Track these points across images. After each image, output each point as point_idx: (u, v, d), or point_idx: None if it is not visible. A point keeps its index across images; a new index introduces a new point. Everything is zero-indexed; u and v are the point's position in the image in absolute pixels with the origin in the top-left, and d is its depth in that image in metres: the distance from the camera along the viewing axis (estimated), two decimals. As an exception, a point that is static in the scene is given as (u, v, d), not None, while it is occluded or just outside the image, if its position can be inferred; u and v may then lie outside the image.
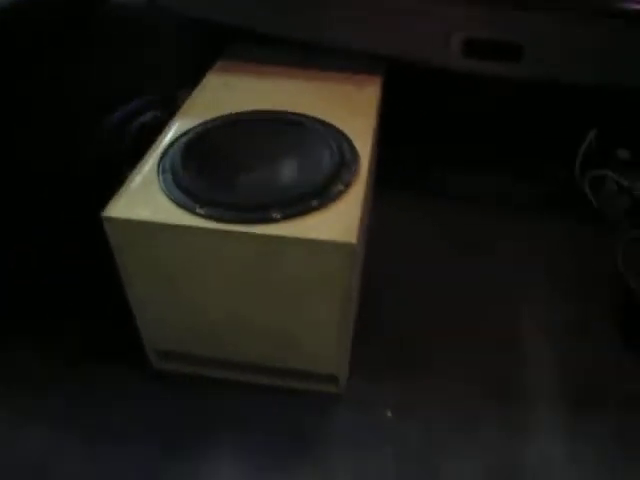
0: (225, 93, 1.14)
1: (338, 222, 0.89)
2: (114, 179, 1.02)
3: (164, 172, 0.96)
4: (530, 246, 1.28)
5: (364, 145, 1.02)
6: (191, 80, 1.16)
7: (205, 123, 1.05)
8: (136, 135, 1.19)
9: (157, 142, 1.03)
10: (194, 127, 1.04)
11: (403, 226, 1.36)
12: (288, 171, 0.99)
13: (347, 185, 0.94)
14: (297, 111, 1.07)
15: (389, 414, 1.01)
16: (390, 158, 1.38)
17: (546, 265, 1.24)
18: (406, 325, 1.15)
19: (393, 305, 1.18)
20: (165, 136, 1.04)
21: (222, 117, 1.05)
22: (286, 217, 0.89)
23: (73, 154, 1.21)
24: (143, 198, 0.92)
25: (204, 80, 1.18)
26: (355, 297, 1.05)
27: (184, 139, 1.01)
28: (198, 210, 0.89)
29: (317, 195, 0.92)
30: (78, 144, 1.20)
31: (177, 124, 1.06)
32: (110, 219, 0.90)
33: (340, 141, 1.01)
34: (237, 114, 1.06)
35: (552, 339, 1.11)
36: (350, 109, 1.10)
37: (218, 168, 0.98)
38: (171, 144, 1.01)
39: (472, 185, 1.43)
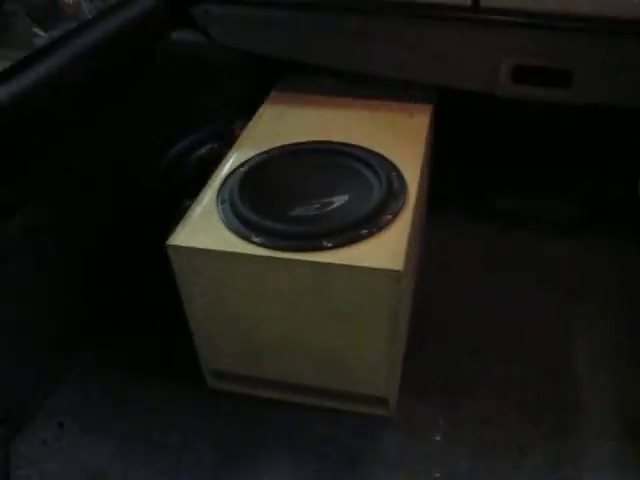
0: (279, 124, 1.28)
1: (386, 250, 1.01)
2: (175, 210, 1.18)
3: (223, 202, 1.10)
4: (584, 270, 1.34)
5: (413, 174, 1.14)
6: (246, 112, 1.30)
7: (260, 155, 1.18)
8: (195, 167, 1.33)
9: (215, 174, 1.17)
10: (250, 159, 1.18)
11: (456, 248, 1.45)
12: (339, 200, 1.11)
13: (395, 214, 1.07)
14: (348, 141, 1.20)
15: (438, 438, 1.09)
16: (442, 183, 1.48)
17: (600, 290, 1.30)
18: (456, 348, 1.23)
19: (444, 327, 1.27)
20: (223, 168, 1.18)
21: (276, 149, 1.19)
22: (337, 245, 1.02)
23: (137, 186, 1.35)
24: (203, 227, 1.07)
25: (259, 111, 1.33)
26: (404, 320, 1.16)
27: (241, 170, 1.16)
28: (254, 239, 1.03)
29: (366, 224, 1.04)
30: (141, 176, 1.34)
31: (234, 156, 1.20)
32: (174, 247, 1.05)
33: (389, 170, 1.13)
34: (290, 145, 1.20)
35: (605, 367, 1.16)
36: (400, 138, 1.21)
37: (272, 198, 1.11)
38: (229, 175, 1.16)
39: (523, 208, 1.49)
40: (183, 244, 1.05)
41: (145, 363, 1.24)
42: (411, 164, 1.15)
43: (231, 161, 1.20)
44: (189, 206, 1.11)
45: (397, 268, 0.98)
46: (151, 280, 1.26)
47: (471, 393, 1.16)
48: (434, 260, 1.38)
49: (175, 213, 1.13)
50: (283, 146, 1.20)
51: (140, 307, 1.31)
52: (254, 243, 1.03)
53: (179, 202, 1.20)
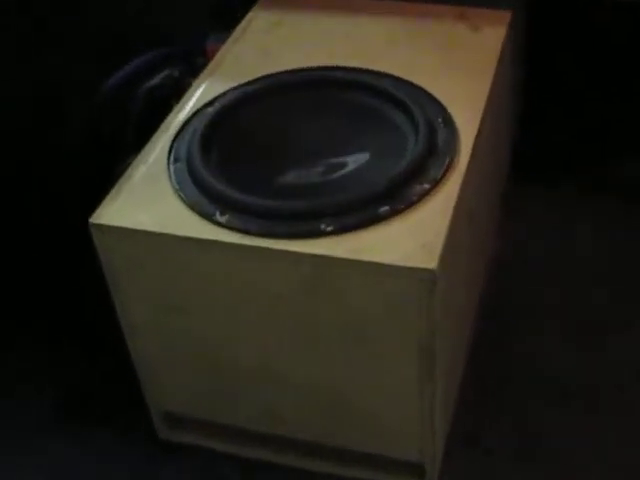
0: (271, 40, 1.26)
1: (415, 238, 0.99)
2: (110, 169, 1.19)
3: (176, 161, 1.10)
4: None
5: (470, 121, 1.11)
6: (226, 22, 1.31)
7: (239, 88, 1.17)
8: (142, 105, 1.34)
9: (170, 117, 1.16)
10: (222, 95, 1.17)
11: (548, 236, 1.45)
12: (353, 161, 1.10)
13: (434, 183, 1.04)
14: (371, 67, 1.17)
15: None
16: (529, 141, 1.49)
17: None
18: (541, 393, 1.23)
19: (524, 354, 1.27)
20: (182, 107, 1.17)
21: (263, 79, 1.17)
22: (341, 230, 1.00)
23: (55, 131, 1.36)
24: (146, 199, 1.06)
25: (244, 22, 1.31)
26: (452, 349, 1.14)
27: (208, 112, 1.14)
28: (219, 217, 1.02)
29: (387, 198, 1.02)
30: (62, 116, 1.36)
31: (201, 89, 1.19)
32: (100, 227, 1.04)
33: (433, 114, 1.11)
34: (285, 74, 1.18)
35: None
36: (454, 64, 1.18)
37: (253, 156, 1.09)
38: (189, 119, 1.15)
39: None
40: (112, 223, 1.04)
41: (64, 406, 1.27)
42: (469, 105, 1.14)
43: (195, 97, 1.19)
44: (128, 165, 1.13)
45: (430, 266, 0.96)
46: (77, 273, 1.29)
47: (550, 465, 1.16)
48: (517, 253, 1.40)
49: (111, 175, 1.14)
50: (275, 75, 1.19)
51: (58, 315, 1.34)
52: (219, 224, 1.03)
53: (118, 159, 1.21)
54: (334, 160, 1.10)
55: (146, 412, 1.21)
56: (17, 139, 1.33)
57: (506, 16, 1.28)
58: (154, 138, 1.15)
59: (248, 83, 1.19)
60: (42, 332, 1.34)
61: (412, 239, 0.99)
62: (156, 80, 1.37)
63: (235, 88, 1.19)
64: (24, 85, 1.31)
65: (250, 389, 1.14)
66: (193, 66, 1.31)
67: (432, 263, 0.97)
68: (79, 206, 1.09)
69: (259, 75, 1.20)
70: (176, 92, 1.22)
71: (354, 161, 1.10)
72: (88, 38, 1.37)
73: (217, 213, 1.03)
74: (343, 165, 1.10)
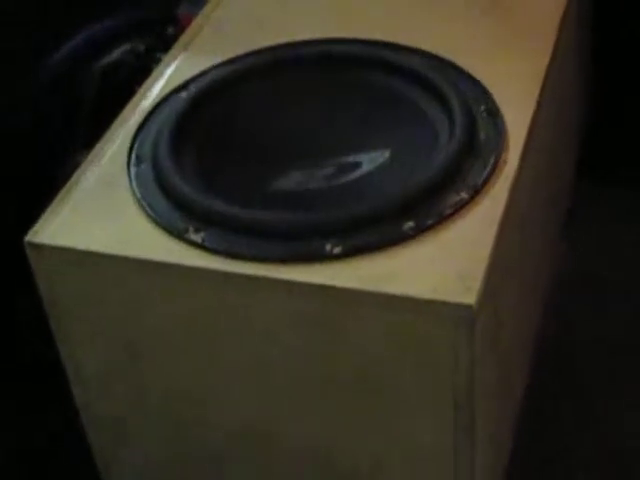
0: (264, 4, 1.27)
1: (449, 263, 0.98)
2: (54, 170, 1.18)
3: (139, 162, 1.09)
4: None
5: (522, 111, 1.11)
6: None
7: (220, 68, 1.17)
8: (96, 89, 1.34)
9: (130, 104, 1.16)
10: (199, 76, 1.17)
11: (624, 258, 1.47)
12: (370, 161, 1.09)
13: (474, 191, 1.04)
14: (395, 40, 1.17)
15: None
16: (606, 134, 1.49)
17: None
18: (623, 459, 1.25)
19: (594, 415, 1.29)
20: (146, 93, 1.17)
21: (253, 54, 1.17)
22: (352, 252, 0.99)
23: None
24: (98, 211, 1.06)
25: None
26: (495, 403, 1.12)
27: (179, 100, 1.14)
28: (193, 235, 1.02)
29: (413, 211, 1.01)
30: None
31: (171, 68, 1.19)
32: (39, 248, 1.04)
33: (473, 101, 1.11)
34: (282, 48, 1.18)
35: None
36: (502, 37, 1.18)
37: (238, 157, 1.09)
38: (156, 109, 1.14)
39: None
40: (54, 242, 1.04)
41: None
42: (520, 89, 1.14)
43: (164, 78, 1.19)
44: (78, 165, 1.12)
45: (467, 301, 0.95)
46: (10, 306, 1.30)
47: None
48: (590, 273, 1.42)
49: (54, 180, 1.15)
50: (268, 49, 1.20)
51: None
52: (193, 244, 1.02)
53: (63, 159, 1.21)
54: (344, 160, 1.11)
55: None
56: None
57: None
58: (110, 132, 1.15)
59: (234, 60, 1.19)
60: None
61: (444, 265, 0.98)
62: (114, 56, 1.37)
63: (217, 66, 1.19)
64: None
65: (232, 463, 1.14)
66: (162, 37, 1.31)
67: (470, 297, 0.95)
68: (12, 220, 1.10)
69: (248, 50, 1.20)
70: (140, 72, 1.22)
71: (370, 161, 1.10)
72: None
73: (191, 229, 1.03)
74: (356, 166, 1.10)
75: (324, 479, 1.12)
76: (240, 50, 1.20)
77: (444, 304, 0.95)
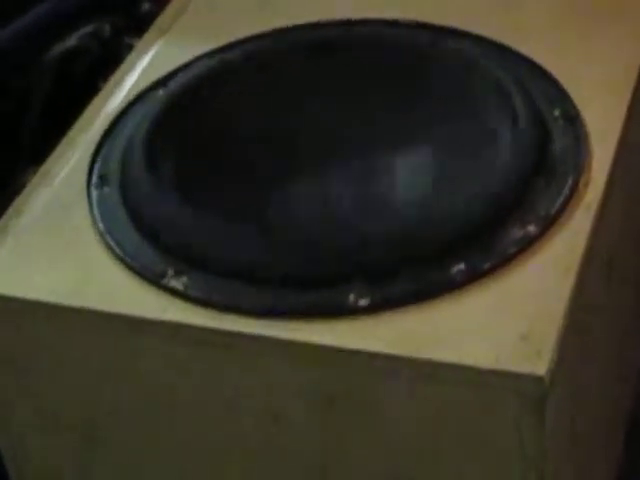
0: None
1: (511, 321, 0.97)
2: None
3: (102, 183, 1.10)
4: None
5: (608, 117, 1.11)
6: None
7: (210, 58, 1.19)
8: (49, 84, 1.35)
9: (93, 105, 1.17)
10: (182, 68, 1.18)
11: None
12: (397, 180, 1.11)
13: (546, 224, 1.04)
14: (443, 23, 1.19)
15: None
16: None
17: None
18: None
19: None
20: (113, 91, 1.18)
21: (253, 42, 1.19)
22: (383, 305, 1.00)
23: None
24: (49, 247, 1.06)
25: None
26: None
27: (156, 100, 1.15)
28: (173, 281, 1.03)
29: (464, 249, 1.02)
30: None
31: (144, 59, 1.21)
32: None
33: (546, 105, 1.12)
34: (289, 33, 1.20)
35: None
36: (584, 17, 1.20)
37: (231, 173, 1.10)
38: (126, 111, 1.16)
39: None
40: None
41: None
42: (608, 90, 1.14)
43: (137, 72, 1.21)
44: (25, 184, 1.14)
45: (537, 372, 0.94)
46: None
47: None
48: None
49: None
50: (273, 33, 1.22)
51: None
52: (172, 292, 1.03)
53: (5, 176, 1.21)
54: (369, 175, 1.12)
55: None
56: None
57: None
58: (66, 142, 1.15)
59: (226, 48, 1.21)
60: None
61: (506, 322, 0.98)
62: (72, 41, 1.37)
63: (206, 56, 1.21)
64: None
65: None
66: (135, 17, 1.31)
67: (541, 366, 0.95)
68: None
69: (245, 35, 1.22)
70: (105, 62, 1.22)
71: (404, 175, 1.12)
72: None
73: (170, 273, 1.04)
74: (384, 180, 1.12)
75: None
76: (235, 35, 1.21)
77: (506, 375, 0.95)
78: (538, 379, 0.94)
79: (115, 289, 1.04)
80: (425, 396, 0.99)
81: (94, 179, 1.11)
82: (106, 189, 1.09)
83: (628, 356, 1.33)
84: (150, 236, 1.05)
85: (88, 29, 1.37)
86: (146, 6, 1.33)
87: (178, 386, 1.05)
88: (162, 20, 1.25)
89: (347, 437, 1.02)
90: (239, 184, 1.12)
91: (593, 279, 1.05)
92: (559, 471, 1.03)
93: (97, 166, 1.12)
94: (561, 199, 1.05)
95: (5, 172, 1.15)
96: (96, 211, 1.08)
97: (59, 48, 1.36)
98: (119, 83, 1.19)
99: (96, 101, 1.17)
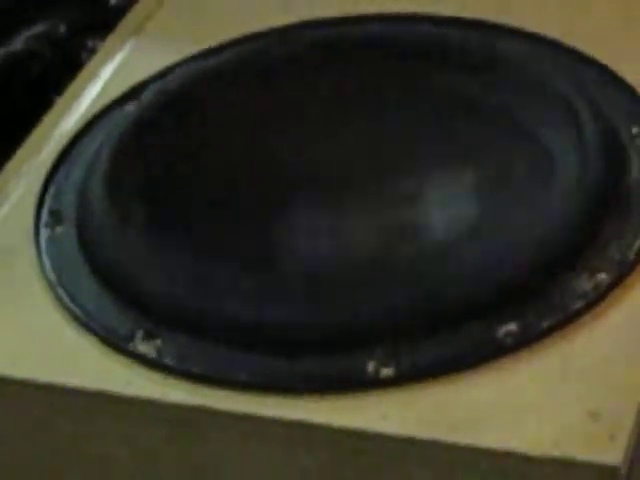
0: None
1: (577, 397, 0.95)
2: None
3: (55, 222, 1.09)
4: None
5: None
6: None
7: (191, 64, 1.19)
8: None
9: (45, 123, 1.16)
10: (157, 76, 1.18)
11: None
12: (424, 215, 1.10)
13: (621, 271, 1.02)
14: (487, 16, 1.19)
15: None
16: None
17: None
18: None
19: None
20: (69, 106, 1.17)
21: (241, 44, 1.19)
22: (410, 375, 0.97)
23: None
24: None
25: None
26: None
27: (123, 116, 1.15)
28: (142, 345, 1.01)
29: (515, 305, 1.00)
30: None
31: (109, 67, 1.20)
32: None
33: (621, 121, 1.10)
34: (287, 33, 1.20)
35: None
36: None
37: (213, 205, 1.10)
38: (85, 131, 1.15)
39: None
40: None
41: None
42: None
43: (100, 81, 1.20)
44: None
45: (611, 460, 0.91)
46: None
47: None
48: None
49: None
50: (267, 33, 1.22)
51: None
52: (141, 359, 1.02)
53: None
54: (397, 209, 1.11)
55: None
56: None
57: None
58: (9, 168, 1.15)
59: (212, 51, 1.21)
60: None
61: (569, 397, 0.96)
62: (17, 44, 1.36)
63: (186, 62, 1.21)
64: None
65: None
66: (99, 14, 1.28)
67: (615, 453, 0.92)
68: None
69: (237, 34, 1.22)
70: (60, 69, 1.21)
71: (439, 215, 1.11)
72: None
73: (139, 335, 1.03)
74: (411, 214, 1.11)
75: None
76: (222, 36, 1.22)
77: (569, 464, 0.93)
78: (612, 470, 0.92)
79: (68, 356, 1.03)
80: None
81: (44, 216, 1.10)
82: (59, 229, 1.09)
83: None
84: (114, 289, 1.05)
85: (38, 28, 1.34)
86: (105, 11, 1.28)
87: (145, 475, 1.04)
88: (132, 16, 1.25)
89: None
90: (225, 223, 1.11)
91: None
92: None
93: (48, 200, 1.12)
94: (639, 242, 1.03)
95: None
96: (45, 257, 1.08)
97: (3, 51, 1.34)
98: (77, 96, 1.19)
99: (48, 118, 1.17)
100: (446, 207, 1.11)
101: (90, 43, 1.25)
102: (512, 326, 0.99)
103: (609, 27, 1.19)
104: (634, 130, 1.08)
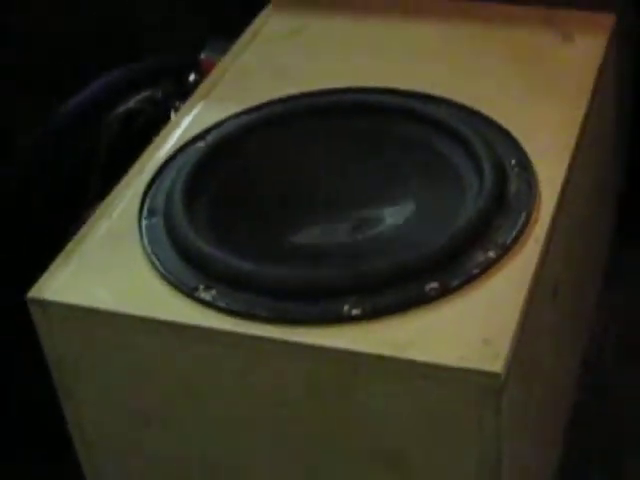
0: (286, 53, 1.23)
1: (475, 328, 0.91)
2: (66, 224, 1.14)
3: (151, 215, 1.05)
4: None
5: (555, 167, 1.05)
6: (227, 29, 1.28)
7: (240, 117, 1.13)
8: (112, 138, 1.31)
9: (145, 154, 1.12)
10: (218, 125, 1.13)
11: None
12: (387, 218, 1.05)
13: (503, 250, 0.97)
14: (421, 89, 1.13)
15: None
16: None
17: None
18: None
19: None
20: (162, 143, 1.13)
21: (274, 103, 1.13)
22: (372, 314, 0.93)
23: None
24: (106, 266, 1.01)
25: (254, 25, 1.28)
26: (527, 474, 1.06)
27: (196, 150, 1.10)
28: (203, 293, 0.96)
29: (437, 271, 0.95)
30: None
31: (188, 118, 1.15)
32: (43, 304, 0.98)
33: (504, 156, 1.06)
34: (302, 98, 1.14)
35: None
36: (536, 89, 1.13)
37: (255, 210, 1.05)
38: (171, 159, 1.11)
39: None
40: (58, 299, 0.99)
41: None
42: (554, 144, 1.08)
43: (182, 128, 1.15)
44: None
45: (494, 368, 0.88)
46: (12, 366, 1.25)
47: None
48: (623, 357, 1.36)
49: (66, 234, 1.10)
50: (290, 98, 1.16)
51: None
52: (202, 302, 0.96)
53: (76, 213, 1.16)
54: (366, 213, 1.06)
55: None
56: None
57: (608, 21, 1.23)
58: (123, 183, 1.10)
59: (254, 109, 1.15)
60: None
61: (470, 329, 0.92)
62: (131, 104, 1.33)
63: (236, 116, 1.15)
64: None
65: None
66: (182, 85, 1.28)
67: (497, 364, 0.88)
68: (19, 275, 1.05)
69: (269, 98, 1.16)
70: (158, 120, 1.19)
71: (393, 216, 1.06)
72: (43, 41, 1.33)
73: (201, 287, 0.97)
74: (378, 220, 1.06)
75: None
76: (261, 98, 1.16)
77: (469, 372, 0.89)
78: (495, 375, 0.88)
79: (156, 299, 0.98)
80: (403, 389, 0.93)
81: (144, 212, 1.06)
82: (153, 220, 1.04)
83: (571, 351, 1.29)
84: (185, 257, 1.00)
85: (145, 94, 1.35)
86: (192, 76, 1.32)
87: (207, 378, 0.99)
88: (203, 86, 1.21)
89: (339, 418, 0.96)
90: (260, 218, 1.07)
91: (541, 295, 0.99)
92: (513, 450, 0.96)
93: (147, 202, 1.07)
94: (515, 231, 0.99)
95: (76, 207, 1.08)
96: (144, 237, 1.03)
97: (122, 108, 1.35)
98: (167, 136, 1.14)
99: (148, 150, 1.13)
100: (394, 210, 1.07)
101: (177, 104, 1.23)
102: (434, 284, 0.95)
103: (498, 93, 1.15)
104: (512, 161, 1.05)
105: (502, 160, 1.05)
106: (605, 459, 1.29)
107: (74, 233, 1.06)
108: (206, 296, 0.96)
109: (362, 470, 0.99)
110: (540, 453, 1.16)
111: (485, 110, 1.10)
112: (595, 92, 1.14)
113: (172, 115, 1.20)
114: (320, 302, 0.95)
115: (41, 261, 1.04)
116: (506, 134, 1.08)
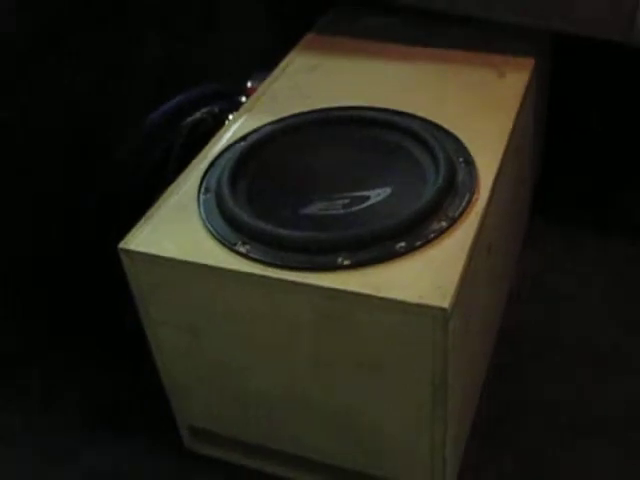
0: (309, 80, 1.16)
1: (430, 276, 0.86)
2: (154, 194, 1.08)
3: (206, 192, 0.99)
4: None
5: (490, 161, 0.99)
6: (269, 63, 1.20)
7: (272, 124, 1.07)
8: (184, 138, 1.25)
9: (204, 150, 1.06)
10: (255, 131, 1.07)
11: (568, 275, 1.32)
12: (376, 195, 0.99)
13: (452, 221, 0.91)
14: (402, 108, 1.07)
15: None
16: (552, 182, 1.38)
17: None
18: (553, 421, 1.10)
19: (543, 389, 1.15)
20: (216, 142, 1.07)
21: (296, 116, 1.08)
22: (357, 264, 0.88)
23: (103, 164, 1.28)
24: (174, 227, 0.95)
25: (284, 62, 1.21)
26: (463, 382, 1.00)
27: (240, 146, 1.04)
28: (240, 247, 0.91)
29: (405, 234, 0.90)
30: (109, 150, 1.27)
31: (236, 125, 1.09)
32: (128, 253, 0.93)
33: (454, 154, 1.00)
34: (316, 112, 1.08)
35: None
36: (478, 109, 1.07)
37: (281, 188, 1.00)
38: (222, 152, 1.05)
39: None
40: (139, 249, 0.93)
41: (96, 409, 1.18)
42: (490, 146, 1.01)
43: (231, 132, 1.08)
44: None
45: (443, 305, 0.82)
46: (114, 295, 1.17)
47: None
48: (536, 290, 1.29)
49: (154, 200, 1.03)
50: (307, 113, 1.09)
51: (93, 333, 1.26)
52: (239, 254, 0.91)
53: (160, 185, 1.10)
54: (357, 193, 0.99)
55: (175, 426, 1.11)
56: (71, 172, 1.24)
57: (530, 62, 1.16)
58: (188, 169, 1.04)
59: (280, 120, 1.08)
60: (75, 348, 1.26)
61: (427, 277, 0.86)
62: (197, 116, 1.27)
63: (268, 124, 1.08)
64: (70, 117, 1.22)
65: (268, 409, 1.02)
66: (234, 103, 1.20)
67: (445, 302, 0.83)
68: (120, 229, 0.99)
69: (293, 112, 1.09)
70: (215, 127, 1.11)
71: (376, 195, 0.99)
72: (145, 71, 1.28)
73: (239, 243, 0.92)
74: (365, 199, 0.98)
75: (334, 427, 1.00)
76: (286, 113, 1.09)
77: (425, 307, 0.84)
78: (444, 309, 0.84)
79: (206, 251, 0.92)
80: (380, 318, 0.87)
81: (202, 190, 1.00)
82: (207, 195, 0.98)
83: (501, 291, 1.24)
84: (229, 222, 0.94)
85: (207, 109, 1.28)
86: (241, 97, 1.25)
87: (239, 306, 0.94)
88: (247, 104, 1.14)
89: (336, 338, 0.91)
90: (282, 195, 1.00)
91: (479, 253, 0.94)
92: (456, 362, 0.91)
93: (204, 183, 1.01)
94: (461, 207, 0.93)
95: (156, 192, 1.04)
96: (201, 208, 0.97)
97: (190, 119, 1.27)
98: (219, 139, 1.08)
99: (206, 148, 1.07)
100: (376, 192, 0.99)
101: (229, 117, 1.16)
102: (403, 243, 0.89)
103: (451, 110, 1.07)
104: (460, 159, 0.99)
105: (452, 158, 0.99)
106: (523, 372, 1.21)
107: (155, 202, 1.01)
108: (242, 249, 0.91)
109: (352, 373, 0.94)
110: (475, 364, 1.11)
111: (443, 123, 1.04)
112: (520, 111, 1.08)
113: (226, 124, 1.12)
114: (321, 255, 0.90)
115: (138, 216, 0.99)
116: (456, 139, 1.02)
